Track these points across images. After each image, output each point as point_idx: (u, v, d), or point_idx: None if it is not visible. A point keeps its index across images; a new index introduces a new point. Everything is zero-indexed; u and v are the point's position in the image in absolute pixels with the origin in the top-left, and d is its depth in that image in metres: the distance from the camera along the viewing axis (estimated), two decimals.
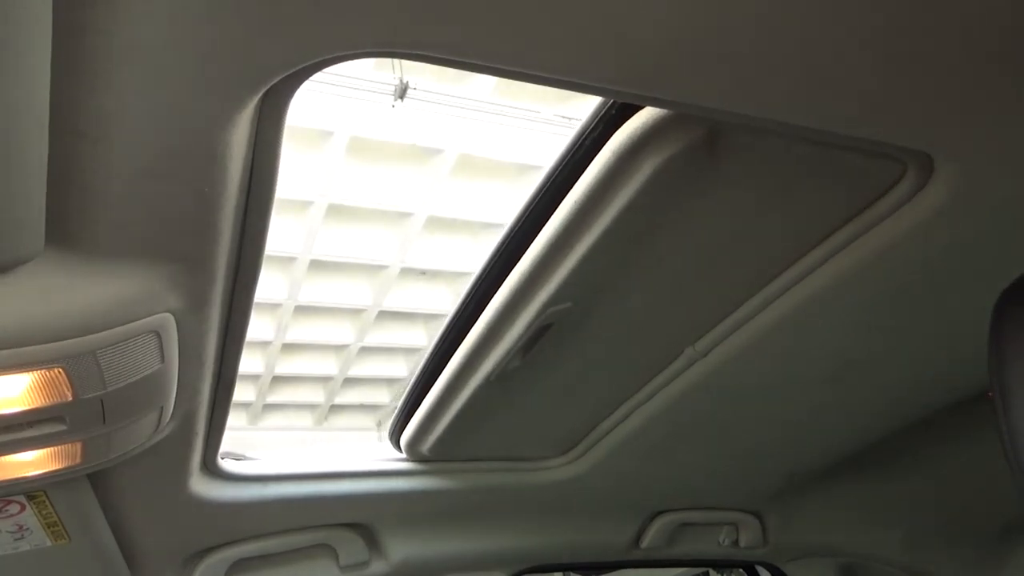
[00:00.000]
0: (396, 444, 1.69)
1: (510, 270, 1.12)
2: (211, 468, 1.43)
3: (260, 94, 0.72)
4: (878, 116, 0.84)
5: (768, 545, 2.10)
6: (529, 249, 1.08)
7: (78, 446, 1.06)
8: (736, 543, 2.08)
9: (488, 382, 1.33)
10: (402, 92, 5.29)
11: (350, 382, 8.97)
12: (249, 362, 8.09)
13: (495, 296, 1.18)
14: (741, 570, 2.33)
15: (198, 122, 0.72)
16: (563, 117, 5.82)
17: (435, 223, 6.80)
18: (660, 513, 1.98)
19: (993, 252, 1.07)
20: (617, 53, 0.72)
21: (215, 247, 0.89)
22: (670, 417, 1.52)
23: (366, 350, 8.43)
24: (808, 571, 2.18)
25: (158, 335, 0.94)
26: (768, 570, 2.22)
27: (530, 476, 1.74)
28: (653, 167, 0.90)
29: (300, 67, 0.70)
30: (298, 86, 0.76)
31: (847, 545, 2.19)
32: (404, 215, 6.65)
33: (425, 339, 8.32)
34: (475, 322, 1.25)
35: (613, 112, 0.90)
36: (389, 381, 9.15)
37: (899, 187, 0.96)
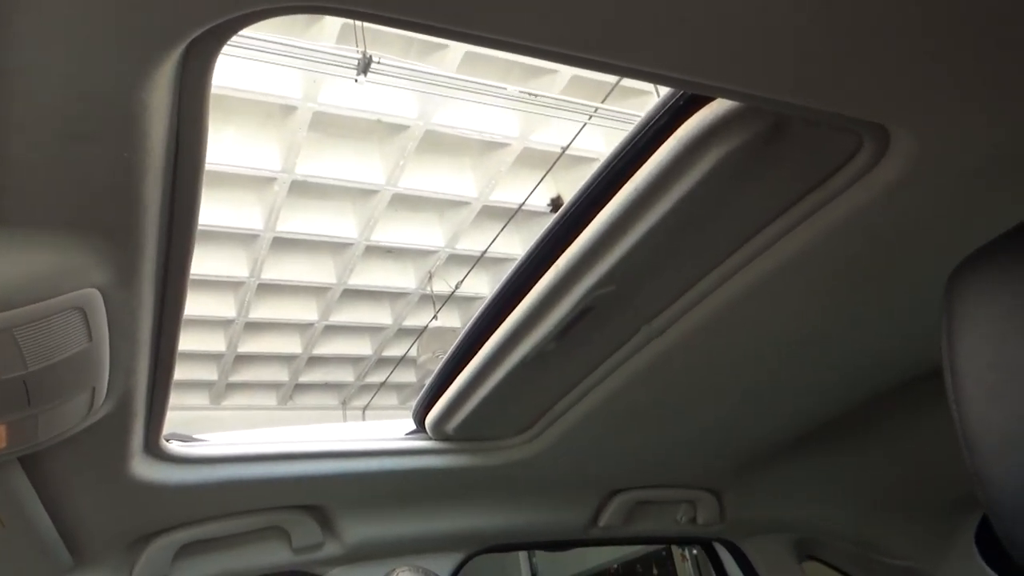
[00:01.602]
0: (420, 424, 1.68)
1: (560, 252, 1.14)
2: (154, 450, 1.39)
3: (180, 49, 0.67)
4: (829, 86, 0.82)
5: (725, 522, 2.11)
6: (584, 232, 1.09)
7: (2, 429, 1.01)
8: (693, 520, 2.09)
9: (523, 363, 1.35)
10: (365, 67, 5.19)
11: (314, 361, 8.94)
12: (211, 341, 8.01)
13: (543, 277, 1.19)
14: (699, 547, 2.35)
15: (112, 80, 0.67)
16: (528, 93, 5.78)
17: (401, 200, 6.75)
18: (618, 491, 1.98)
19: (951, 225, 1.06)
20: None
21: (142, 217, 0.84)
22: (627, 396, 1.50)
23: (331, 328, 8.39)
24: (764, 547, 2.19)
25: (83, 312, 0.89)
26: (725, 546, 2.24)
27: (487, 456, 1.72)
28: (717, 157, 0.92)
29: (225, 19, 0.65)
30: (224, 42, 0.70)
31: (802, 521, 2.21)
32: (369, 192, 6.59)
33: (391, 318, 8.29)
34: (518, 303, 1.26)
35: (681, 103, 0.92)
36: (354, 360, 9.13)
37: (855, 160, 0.95)
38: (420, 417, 1.67)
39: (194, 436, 1.58)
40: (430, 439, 1.70)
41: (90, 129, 0.71)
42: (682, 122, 0.92)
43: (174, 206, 0.87)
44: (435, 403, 1.61)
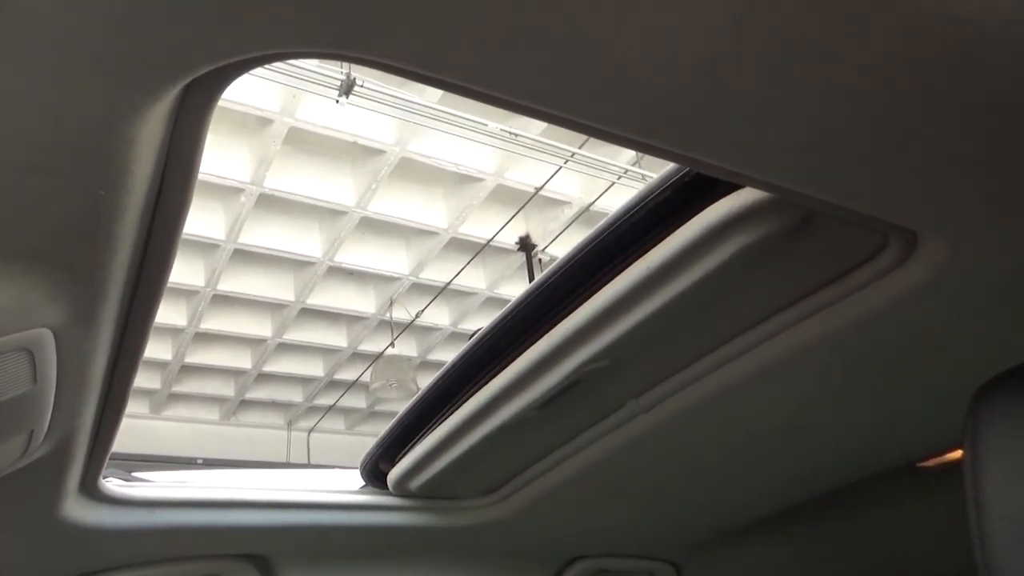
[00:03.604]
0: (370, 478, 1.61)
1: (555, 323, 1.08)
2: (90, 490, 1.27)
3: (180, 87, 0.60)
4: (865, 187, 0.78)
5: None
6: (584, 305, 1.03)
7: None
8: None
9: (501, 428, 1.29)
10: (348, 88, 5.12)
11: (263, 378, 8.69)
12: (158, 348, 7.73)
13: (533, 345, 1.13)
14: None
15: (97, 110, 0.59)
16: (509, 132, 5.76)
17: (368, 224, 6.64)
18: (577, 559, 1.91)
19: (965, 335, 1.02)
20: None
21: (110, 257, 0.75)
22: (604, 468, 1.44)
23: (284, 346, 8.18)
24: None
25: (30, 353, 0.80)
26: None
27: (447, 516, 1.64)
28: (739, 246, 0.87)
29: (235, 60, 0.58)
30: (231, 80, 0.63)
31: None
32: (337, 212, 6.48)
33: (346, 341, 8.12)
34: (503, 367, 1.20)
35: (705, 185, 0.88)
36: (304, 380, 8.91)
37: (878, 260, 0.91)
38: (371, 470, 1.58)
39: (133, 475, 1.47)
40: (389, 495, 1.61)
41: (65, 162, 0.62)
42: (706, 205, 0.87)
43: (147, 248, 0.79)
44: (398, 458, 1.52)
